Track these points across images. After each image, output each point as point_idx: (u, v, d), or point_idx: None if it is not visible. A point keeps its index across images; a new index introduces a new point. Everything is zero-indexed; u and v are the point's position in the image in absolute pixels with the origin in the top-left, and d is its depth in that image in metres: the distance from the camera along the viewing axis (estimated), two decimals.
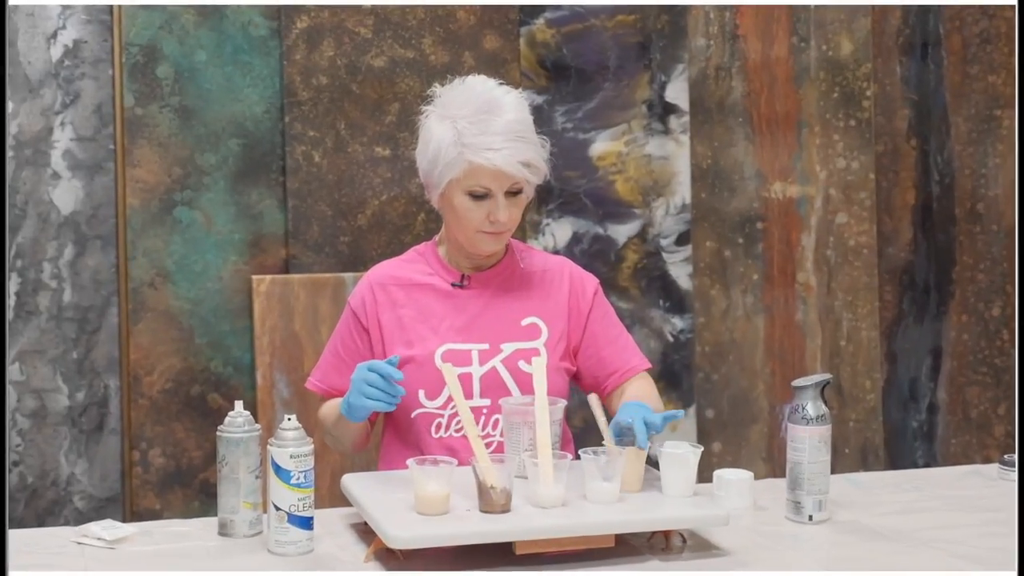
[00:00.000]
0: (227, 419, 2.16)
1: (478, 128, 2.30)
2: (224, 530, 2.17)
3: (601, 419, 2.25)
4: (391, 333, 2.42)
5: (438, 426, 2.39)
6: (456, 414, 2.36)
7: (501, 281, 2.46)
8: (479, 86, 2.37)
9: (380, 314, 2.43)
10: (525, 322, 2.44)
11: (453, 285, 2.45)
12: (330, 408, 2.44)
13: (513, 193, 2.35)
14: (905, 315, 3.80)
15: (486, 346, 2.41)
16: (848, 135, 3.69)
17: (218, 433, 2.16)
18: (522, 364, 2.39)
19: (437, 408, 2.39)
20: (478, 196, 2.33)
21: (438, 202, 2.40)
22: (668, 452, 2.19)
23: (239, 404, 2.18)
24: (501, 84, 2.39)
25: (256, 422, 2.19)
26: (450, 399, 2.34)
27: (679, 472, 2.18)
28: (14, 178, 3.22)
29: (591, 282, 2.52)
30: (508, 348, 2.41)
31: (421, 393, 2.39)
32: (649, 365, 2.53)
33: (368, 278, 2.47)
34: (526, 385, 2.36)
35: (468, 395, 2.36)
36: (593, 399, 2.31)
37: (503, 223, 2.34)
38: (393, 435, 2.48)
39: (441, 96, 2.39)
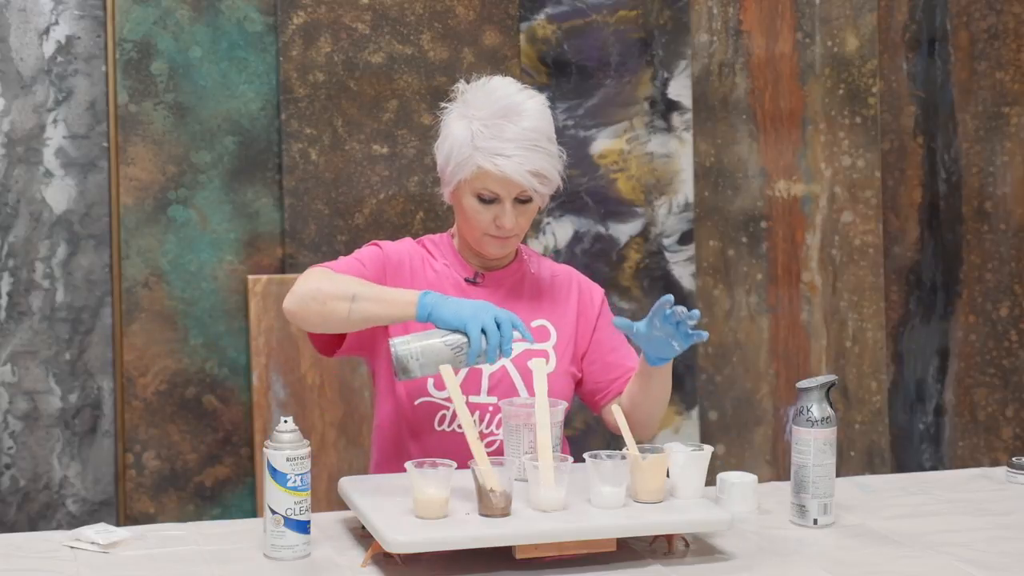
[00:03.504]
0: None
1: (491, 132, 2.31)
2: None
3: (626, 429, 2.22)
4: None
5: (442, 418, 2.39)
6: None
7: (513, 282, 2.47)
8: (501, 89, 2.37)
9: (403, 276, 2.39)
10: (535, 324, 2.44)
11: (467, 281, 2.45)
12: (348, 281, 2.27)
13: (522, 201, 2.36)
14: (912, 315, 3.78)
15: None
16: (854, 132, 3.67)
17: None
18: (531, 363, 2.37)
19: (443, 399, 2.38)
20: (486, 200, 2.35)
21: (450, 198, 2.42)
22: (678, 453, 2.18)
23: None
24: (525, 89, 2.39)
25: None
26: None
27: (689, 473, 2.17)
28: (6, 176, 3.20)
29: (598, 291, 2.54)
30: (517, 347, 2.39)
31: (430, 382, 2.38)
32: None
33: (409, 241, 2.46)
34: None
35: (476, 391, 2.37)
36: (616, 408, 2.28)
37: (508, 229, 2.36)
38: (390, 421, 2.44)
39: (464, 94, 2.40)
